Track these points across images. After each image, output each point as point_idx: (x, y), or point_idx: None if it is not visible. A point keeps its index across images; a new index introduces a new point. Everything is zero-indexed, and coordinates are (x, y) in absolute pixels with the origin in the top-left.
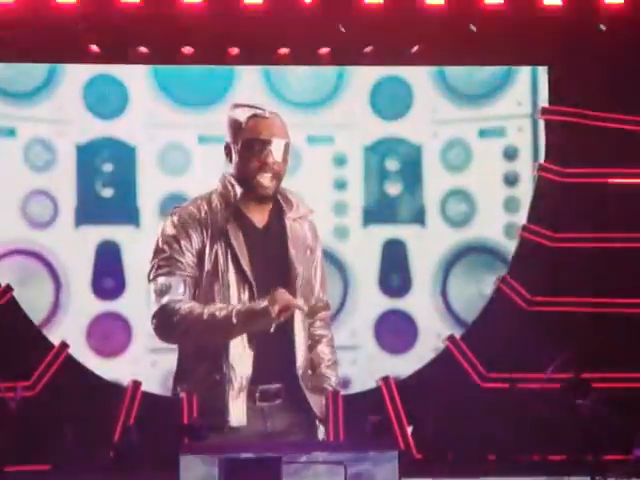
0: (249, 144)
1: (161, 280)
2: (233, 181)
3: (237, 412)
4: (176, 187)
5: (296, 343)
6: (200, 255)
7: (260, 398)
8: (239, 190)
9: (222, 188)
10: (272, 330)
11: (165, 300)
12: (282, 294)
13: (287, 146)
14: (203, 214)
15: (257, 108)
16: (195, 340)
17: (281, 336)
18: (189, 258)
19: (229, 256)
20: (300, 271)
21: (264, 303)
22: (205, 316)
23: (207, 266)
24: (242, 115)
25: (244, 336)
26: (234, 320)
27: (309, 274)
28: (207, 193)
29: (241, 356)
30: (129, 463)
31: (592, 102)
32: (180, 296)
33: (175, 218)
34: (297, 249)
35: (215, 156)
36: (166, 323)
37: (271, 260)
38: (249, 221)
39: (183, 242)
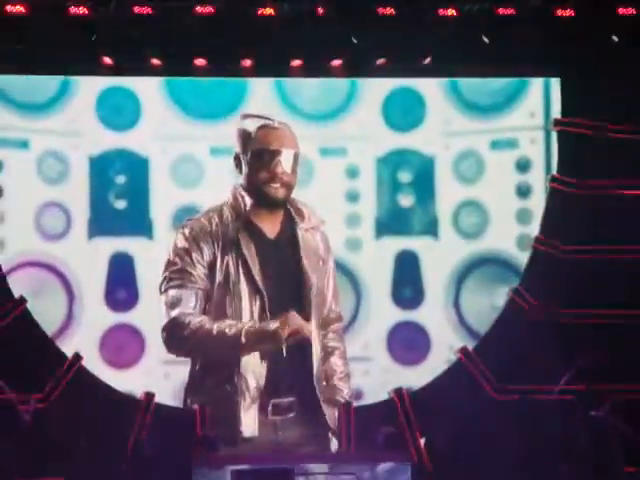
0: (258, 154)
1: (172, 292)
2: (243, 192)
3: (249, 422)
4: (189, 199)
5: (313, 354)
6: (211, 267)
7: (272, 412)
8: (249, 201)
9: (233, 199)
10: (284, 352)
11: (175, 313)
12: (294, 318)
13: (296, 156)
14: (214, 226)
15: (266, 118)
16: (204, 354)
17: (296, 347)
18: (200, 270)
19: (240, 267)
20: (314, 281)
21: (275, 325)
22: (215, 332)
23: (218, 278)
24: (251, 125)
25: None
26: (243, 340)
27: (322, 284)
28: (218, 205)
29: (254, 366)
30: (142, 475)
31: (605, 113)
32: (191, 309)
33: (187, 230)
34: (310, 259)
35: (227, 168)
36: (176, 336)
37: (284, 270)
38: (260, 231)
39: (194, 254)
